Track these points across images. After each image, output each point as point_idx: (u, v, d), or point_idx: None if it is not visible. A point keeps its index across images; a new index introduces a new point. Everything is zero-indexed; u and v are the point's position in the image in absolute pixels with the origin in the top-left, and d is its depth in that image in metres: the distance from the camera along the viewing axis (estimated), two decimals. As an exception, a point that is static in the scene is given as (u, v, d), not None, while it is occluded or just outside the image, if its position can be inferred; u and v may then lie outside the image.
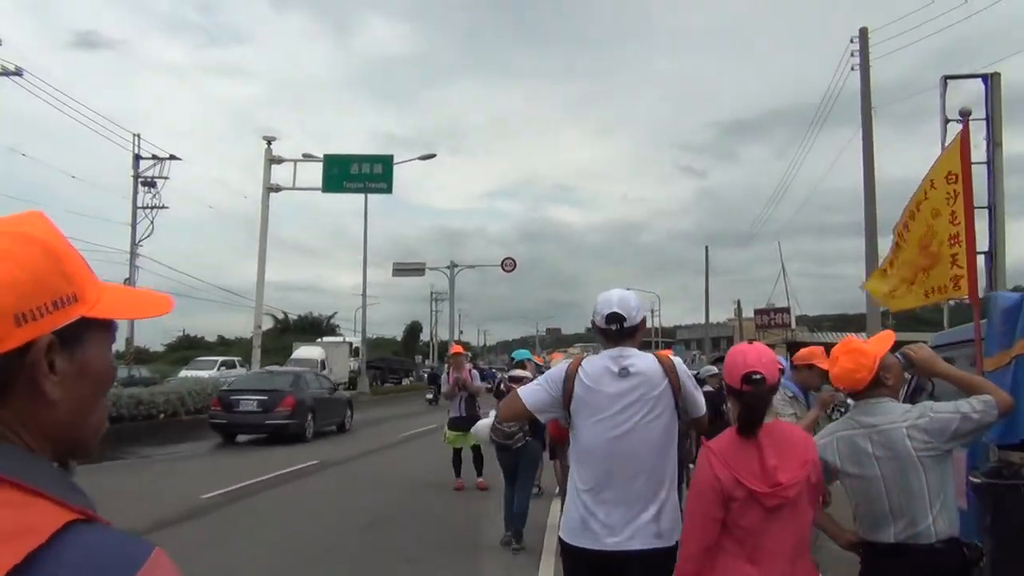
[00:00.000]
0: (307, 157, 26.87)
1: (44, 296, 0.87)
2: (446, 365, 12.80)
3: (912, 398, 5.14)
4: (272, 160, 26.24)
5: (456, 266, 52.60)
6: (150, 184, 32.55)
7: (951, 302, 17.62)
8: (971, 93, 20.18)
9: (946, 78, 20.13)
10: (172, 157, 33.05)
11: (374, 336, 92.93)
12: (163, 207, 32.69)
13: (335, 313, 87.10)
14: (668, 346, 59.06)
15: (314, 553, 7.75)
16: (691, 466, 5.60)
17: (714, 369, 9.30)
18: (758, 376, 2.82)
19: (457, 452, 11.36)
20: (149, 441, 17.56)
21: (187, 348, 67.87)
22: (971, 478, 3.91)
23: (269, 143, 26.30)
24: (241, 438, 18.16)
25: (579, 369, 3.47)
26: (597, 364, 3.45)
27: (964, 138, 4.53)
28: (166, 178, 32.75)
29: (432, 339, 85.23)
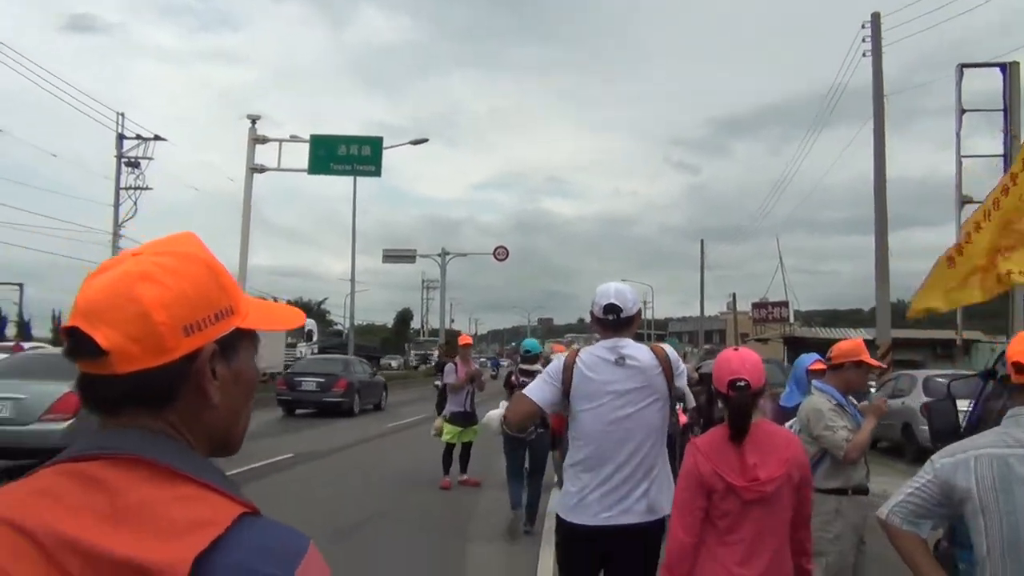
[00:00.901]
0: (294, 139, 25.88)
1: (208, 309, 0.97)
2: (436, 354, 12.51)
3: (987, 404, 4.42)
4: (256, 140, 25.18)
5: (448, 254, 51.65)
6: (134, 164, 32.08)
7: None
8: (981, 86, 19.38)
9: (962, 66, 19.23)
10: (157, 137, 32.32)
11: (364, 323, 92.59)
12: (147, 188, 32.28)
13: (325, 299, 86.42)
14: (660, 338, 58.28)
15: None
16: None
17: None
18: (742, 383, 2.99)
19: (449, 448, 10.84)
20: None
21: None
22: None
23: (254, 122, 25.21)
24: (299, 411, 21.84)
25: (577, 359, 3.66)
26: (595, 354, 3.65)
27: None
28: (150, 159, 32.22)
29: (423, 327, 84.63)
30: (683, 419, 7.78)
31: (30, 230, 42.88)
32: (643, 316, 4.65)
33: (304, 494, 10.27)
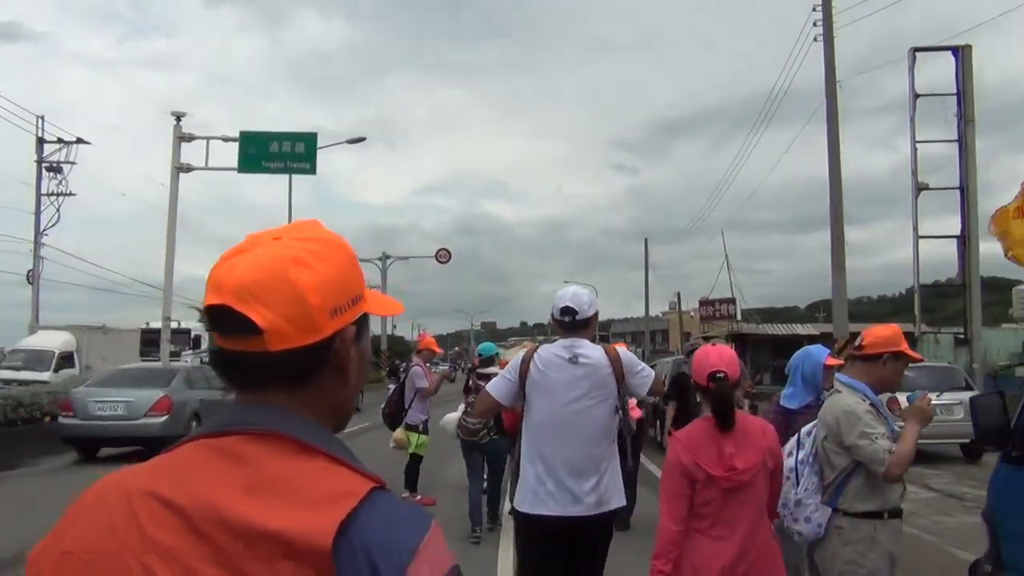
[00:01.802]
0: (226, 140, 24.49)
1: (348, 294, 1.03)
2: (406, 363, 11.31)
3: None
4: (182, 137, 23.73)
5: (388, 258, 50.48)
6: (55, 169, 30.97)
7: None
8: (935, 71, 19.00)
9: (915, 50, 18.78)
10: (80, 140, 30.92)
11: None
12: (70, 194, 31.06)
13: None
14: (604, 339, 57.84)
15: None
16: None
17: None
18: (721, 374, 3.24)
19: (416, 461, 9.85)
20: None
21: (103, 345, 64.33)
22: None
23: (179, 119, 23.77)
24: (105, 451, 14.45)
25: (534, 356, 3.88)
26: (551, 352, 3.85)
27: None
28: (73, 163, 31.00)
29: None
30: (637, 413, 7.71)
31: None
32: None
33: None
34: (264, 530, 0.88)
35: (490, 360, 9.01)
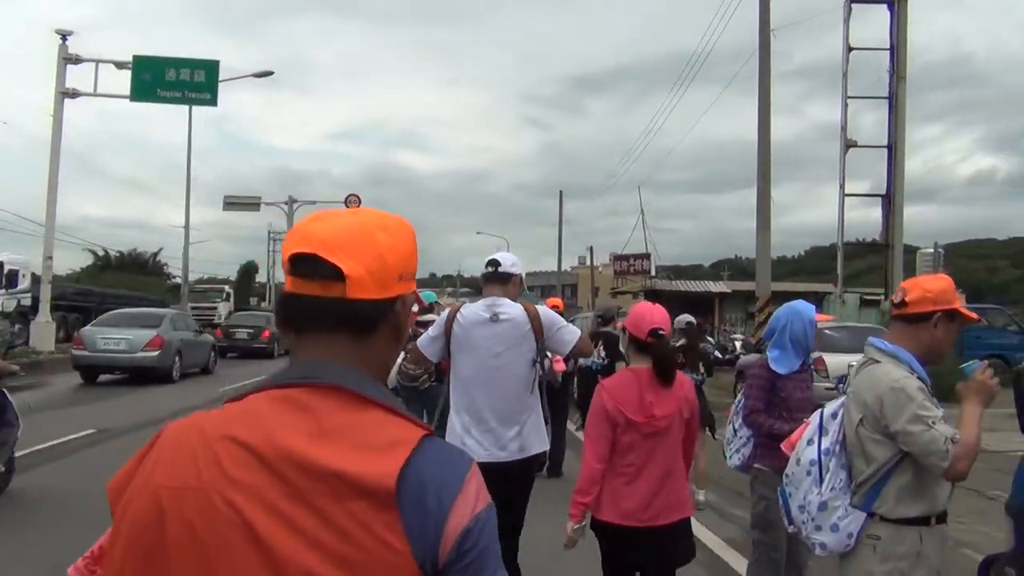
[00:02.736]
0: (120, 66, 22.42)
1: (410, 266, 1.19)
2: None
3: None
4: (68, 59, 21.71)
5: (295, 202, 48.42)
6: None
7: None
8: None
9: (851, 1, 18.32)
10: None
11: (205, 276, 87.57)
12: None
13: (160, 250, 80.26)
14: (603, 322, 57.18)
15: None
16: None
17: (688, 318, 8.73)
18: (661, 331, 3.51)
19: None
20: None
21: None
22: None
23: (64, 38, 21.71)
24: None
25: (458, 314, 4.12)
26: (473, 310, 4.11)
27: None
28: None
29: (269, 281, 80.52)
30: (561, 366, 7.67)
31: None
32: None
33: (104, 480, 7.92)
34: (334, 471, 1.00)
35: (429, 308, 8.80)
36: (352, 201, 46.35)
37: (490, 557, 1.07)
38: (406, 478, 1.01)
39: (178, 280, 56.07)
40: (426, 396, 8.06)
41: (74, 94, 21.96)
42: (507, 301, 4.09)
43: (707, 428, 7.78)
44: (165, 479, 1.04)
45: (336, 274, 1.08)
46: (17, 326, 21.98)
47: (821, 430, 3.00)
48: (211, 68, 22.32)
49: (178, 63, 22.22)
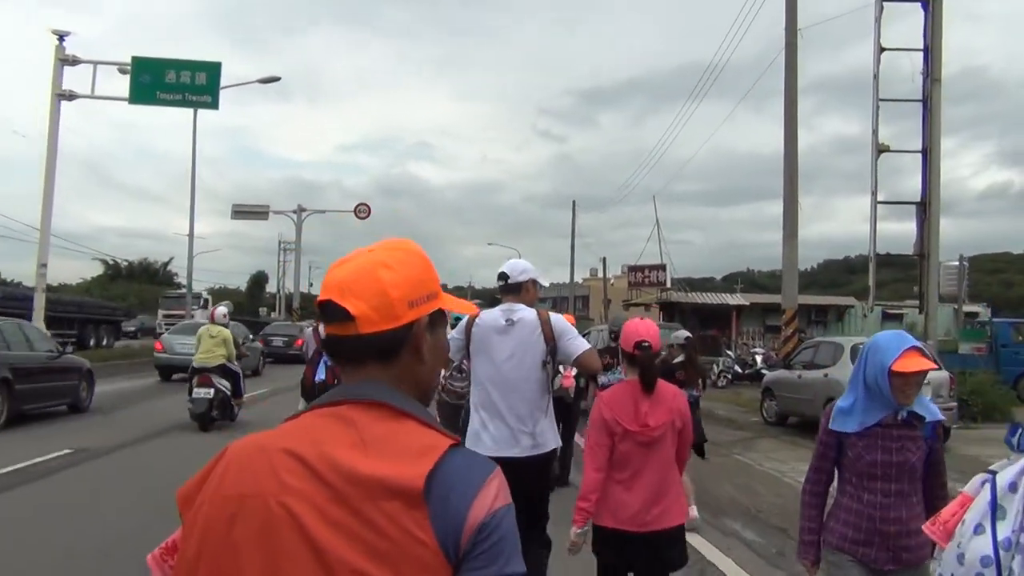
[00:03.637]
0: (122, 71, 21.67)
1: (424, 290, 1.31)
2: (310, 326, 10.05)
3: None
4: (64, 60, 20.93)
5: (304, 211, 47.79)
6: None
7: None
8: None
9: (883, 0, 17.39)
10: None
11: (218, 286, 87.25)
12: None
13: (171, 259, 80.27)
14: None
15: None
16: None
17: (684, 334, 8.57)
18: (646, 344, 3.70)
19: None
20: None
21: (-7, 295, 60.49)
22: None
23: (61, 39, 20.94)
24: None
25: (476, 319, 4.39)
26: (490, 315, 4.40)
27: None
28: None
29: (279, 291, 79.99)
30: (569, 381, 7.73)
31: None
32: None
33: (77, 505, 7.19)
34: (372, 476, 1.15)
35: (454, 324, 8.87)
36: (362, 210, 46.10)
37: (504, 548, 1.19)
38: (434, 480, 1.16)
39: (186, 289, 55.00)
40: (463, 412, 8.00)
41: (71, 96, 21.16)
42: (522, 307, 4.40)
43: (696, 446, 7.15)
44: (231, 488, 1.20)
45: (347, 315, 1.25)
46: None
47: (995, 510, 2.06)
48: (212, 70, 21.52)
49: (178, 65, 21.42)
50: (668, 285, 38.06)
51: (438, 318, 1.35)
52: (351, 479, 1.15)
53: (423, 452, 1.18)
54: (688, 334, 8.35)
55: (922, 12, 17.16)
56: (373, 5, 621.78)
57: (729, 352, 27.77)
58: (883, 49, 17.28)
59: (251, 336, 23.70)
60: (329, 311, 1.27)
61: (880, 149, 17.17)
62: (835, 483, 3.32)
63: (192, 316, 36.77)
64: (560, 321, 4.42)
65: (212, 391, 12.17)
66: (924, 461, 3.06)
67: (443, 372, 8.61)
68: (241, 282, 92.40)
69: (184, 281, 73.36)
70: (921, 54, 17.19)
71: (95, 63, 21.30)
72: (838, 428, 3.14)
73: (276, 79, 32.23)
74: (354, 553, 1.13)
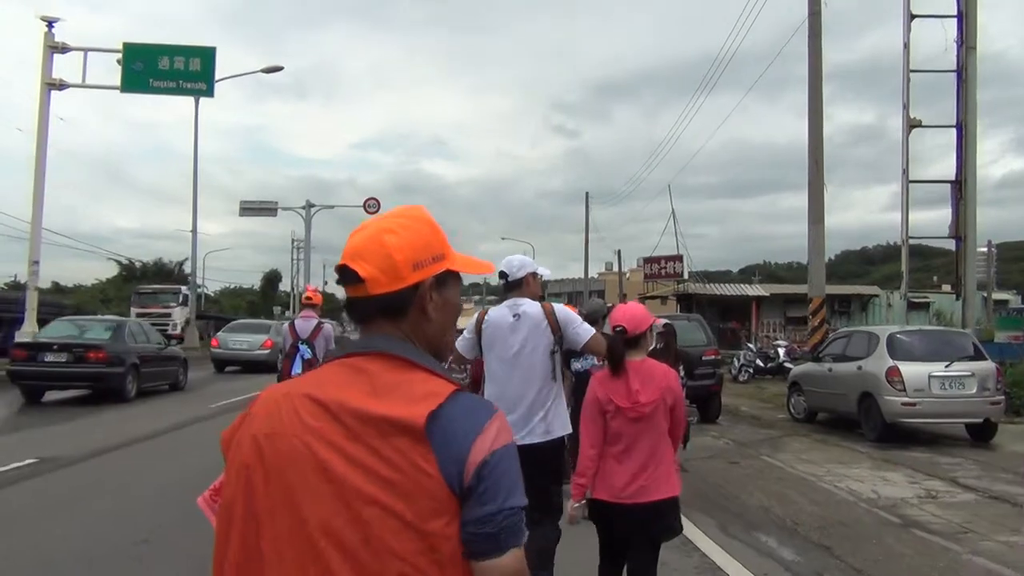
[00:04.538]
0: (120, 62, 20.80)
1: (428, 252, 1.42)
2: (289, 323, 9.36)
3: None
4: (53, 48, 20.15)
5: (313, 206, 46.93)
6: None
7: None
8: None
9: (913, -36, 16.26)
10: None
11: (232, 285, 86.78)
12: None
13: (185, 259, 79.70)
14: (541, 299, 55.33)
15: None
16: None
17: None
18: (619, 328, 3.87)
19: None
20: None
21: (12, 296, 60.24)
22: None
23: (50, 25, 20.15)
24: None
25: (485, 316, 4.66)
26: (498, 311, 4.64)
27: None
28: None
29: (292, 289, 79.42)
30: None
31: None
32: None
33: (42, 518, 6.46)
34: (382, 416, 1.29)
35: None
36: (371, 205, 45.20)
37: (504, 483, 1.31)
38: (436, 419, 1.28)
39: (203, 289, 54.34)
40: None
41: (61, 85, 20.39)
42: (527, 300, 4.58)
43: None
44: (260, 427, 1.35)
45: (358, 277, 1.38)
46: None
47: None
48: (207, 55, 20.65)
49: (172, 50, 20.58)
50: (685, 276, 36.93)
51: (446, 278, 1.46)
52: (364, 419, 1.29)
53: (427, 396, 1.31)
54: (667, 321, 8.10)
55: (956, -22, 16.03)
56: (387, 1, 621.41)
57: (750, 345, 26.61)
58: (913, 16, 16.17)
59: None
60: (344, 275, 1.41)
61: (912, 124, 16.07)
62: None
63: (170, 311, 35.31)
64: (563, 311, 4.63)
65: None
66: None
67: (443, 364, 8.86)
68: (255, 281, 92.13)
69: (199, 280, 73.05)
70: (955, 20, 16.05)
71: (85, 50, 20.54)
72: None
73: (279, 68, 31.47)
74: (368, 484, 1.27)
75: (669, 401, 3.85)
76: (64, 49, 20.31)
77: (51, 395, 15.45)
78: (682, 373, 7.90)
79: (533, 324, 4.47)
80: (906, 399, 11.17)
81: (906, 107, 15.98)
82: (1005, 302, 36.90)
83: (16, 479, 8.23)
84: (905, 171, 16.11)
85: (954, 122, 16.08)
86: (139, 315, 34.00)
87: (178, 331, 34.16)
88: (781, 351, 24.46)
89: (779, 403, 15.96)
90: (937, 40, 16.57)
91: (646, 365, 3.88)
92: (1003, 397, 11.94)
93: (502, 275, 4.67)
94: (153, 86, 20.54)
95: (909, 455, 10.51)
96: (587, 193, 54.68)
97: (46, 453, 9.47)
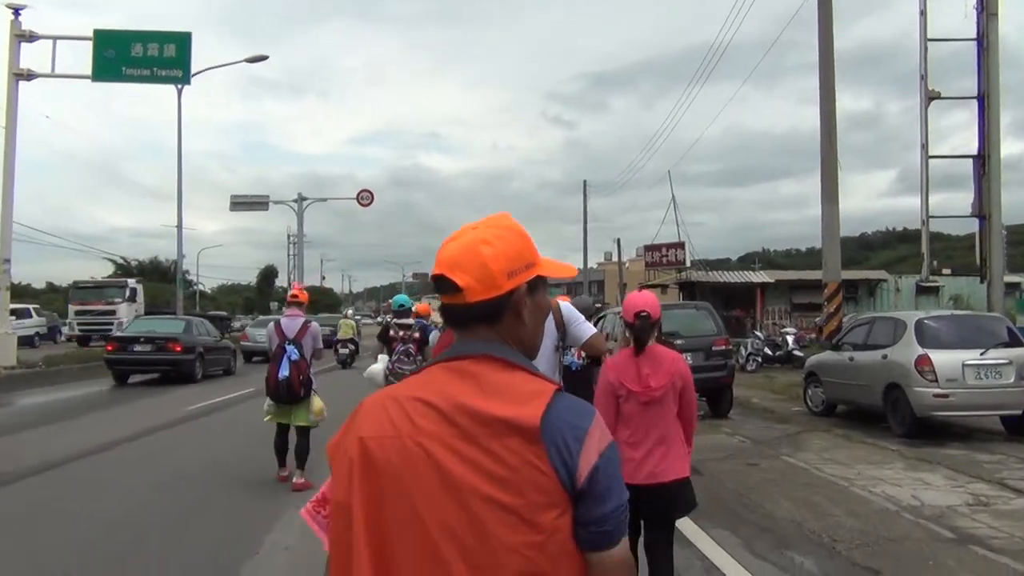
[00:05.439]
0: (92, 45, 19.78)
1: (520, 261, 1.45)
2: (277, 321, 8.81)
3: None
4: (20, 36, 19.13)
5: (305, 199, 46.01)
6: None
7: None
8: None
9: (929, -75, 15.28)
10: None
11: (229, 282, 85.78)
12: None
13: (183, 257, 78.83)
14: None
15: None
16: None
17: None
18: (644, 314, 4.03)
19: (283, 432, 8.45)
20: None
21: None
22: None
23: (16, 13, 19.14)
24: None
25: None
26: None
27: None
28: None
29: (289, 284, 78.46)
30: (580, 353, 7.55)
31: None
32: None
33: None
34: (495, 416, 1.32)
35: (407, 311, 9.46)
36: (364, 197, 44.53)
37: (615, 483, 1.37)
38: (547, 419, 1.32)
39: (199, 287, 53.37)
40: None
41: (29, 75, 19.38)
42: None
43: None
44: (369, 432, 1.38)
45: (456, 287, 1.42)
46: None
47: None
48: (182, 41, 19.62)
49: (145, 37, 19.57)
50: (688, 264, 35.95)
51: (537, 284, 1.50)
52: (476, 419, 1.33)
53: (534, 395, 1.35)
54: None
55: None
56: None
57: (757, 333, 25.61)
58: (931, -20, 15.13)
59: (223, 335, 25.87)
60: (442, 284, 1.45)
61: (931, 96, 15.09)
62: None
63: (115, 308, 32.36)
64: (568, 308, 4.75)
65: (348, 349, 24.19)
66: None
67: (391, 357, 8.84)
68: (252, 278, 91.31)
69: (194, 278, 72.03)
70: (974, -14, 15.03)
71: (54, 38, 19.51)
72: None
73: (264, 58, 30.70)
74: (484, 483, 1.30)
75: (679, 384, 4.06)
76: (32, 37, 19.31)
77: (134, 378, 20.15)
78: None
79: None
80: (938, 390, 10.20)
81: (924, 78, 15.02)
82: (1016, 285, 35.99)
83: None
84: (924, 146, 15.17)
85: (975, 93, 15.10)
86: (78, 313, 31.91)
87: (124, 331, 31.60)
88: (790, 339, 23.45)
89: (792, 394, 15.01)
90: (955, 13, 15.55)
91: (656, 350, 4.10)
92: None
93: None
94: (126, 74, 19.54)
95: (944, 452, 9.54)
96: (584, 181, 53.87)
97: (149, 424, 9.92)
